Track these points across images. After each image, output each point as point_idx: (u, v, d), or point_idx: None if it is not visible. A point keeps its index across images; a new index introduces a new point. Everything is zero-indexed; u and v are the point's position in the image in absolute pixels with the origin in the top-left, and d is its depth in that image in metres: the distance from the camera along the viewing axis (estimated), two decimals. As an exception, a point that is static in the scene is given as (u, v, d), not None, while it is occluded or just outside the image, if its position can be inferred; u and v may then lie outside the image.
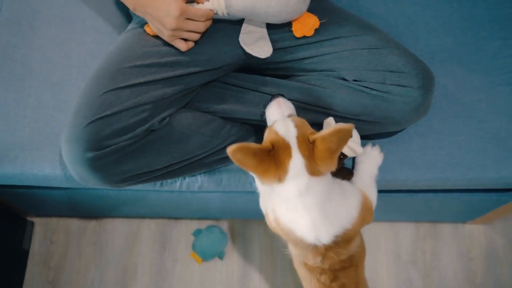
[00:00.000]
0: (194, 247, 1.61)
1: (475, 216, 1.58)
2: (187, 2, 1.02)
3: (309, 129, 0.92)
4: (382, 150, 1.20)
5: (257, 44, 1.11)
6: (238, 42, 1.12)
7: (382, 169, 1.19)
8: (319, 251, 0.91)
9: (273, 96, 1.02)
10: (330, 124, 1.09)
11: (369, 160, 1.14)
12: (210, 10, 1.03)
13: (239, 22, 1.12)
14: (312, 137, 0.87)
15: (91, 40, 1.29)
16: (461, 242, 1.66)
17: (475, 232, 1.67)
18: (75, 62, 1.27)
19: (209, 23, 1.05)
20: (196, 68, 1.10)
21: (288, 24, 1.11)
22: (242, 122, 1.19)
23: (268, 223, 1.03)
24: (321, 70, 1.14)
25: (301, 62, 1.15)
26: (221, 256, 1.61)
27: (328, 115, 1.11)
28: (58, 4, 1.31)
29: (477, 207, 1.47)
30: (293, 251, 1.01)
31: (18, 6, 1.30)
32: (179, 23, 1.01)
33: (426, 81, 1.08)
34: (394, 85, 1.07)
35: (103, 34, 1.30)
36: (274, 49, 1.12)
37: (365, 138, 1.20)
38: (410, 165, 1.20)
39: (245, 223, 1.67)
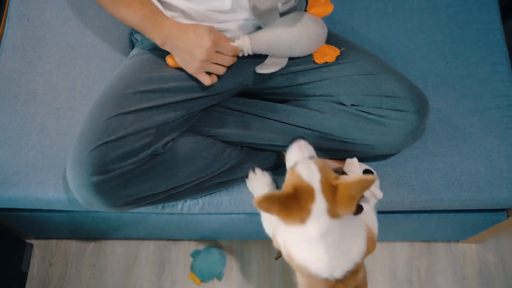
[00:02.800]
0: (192, 268, 1.62)
1: (468, 235, 1.61)
2: None
3: (331, 172, 0.95)
4: (378, 172, 1.24)
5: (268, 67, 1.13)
6: (238, 68, 1.15)
7: (378, 190, 1.23)
8: (329, 284, 0.93)
9: (293, 139, 1.04)
10: (353, 164, 1.12)
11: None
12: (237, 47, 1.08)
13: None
14: (335, 182, 0.90)
15: (94, 65, 1.32)
16: (455, 261, 1.69)
17: (468, 251, 1.70)
18: (78, 87, 1.29)
19: (235, 59, 1.10)
20: (198, 93, 1.13)
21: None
22: (242, 145, 1.21)
23: (274, 243, 1.05)
24: (320, 95, 1.17)
25: (300, 87, 1.18)
26: (219, 277, 1.62)
27: (328, 139, 1.15)
28: (62, 31, 1.34)
29: (471, 226, 1.50)
30: (301, 281, 1.03)
31: (23, 33, 1.32)
32: (209, 54, 1.04)
33: (421, 105, 1.11)
34: (391, 109, 1.10)
35: (106, 60, 1.33)
36: (274, 75, 1.16)
37: (362, 160, 1.23)
38: (406, 187, 1.24)
39: (243, 244, 1.69)
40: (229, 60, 1.09)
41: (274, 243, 1.05)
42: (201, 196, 1.23)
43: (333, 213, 0.89)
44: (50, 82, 1.29)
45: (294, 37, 1.09)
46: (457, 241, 1.70)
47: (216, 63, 1.08)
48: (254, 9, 1.05)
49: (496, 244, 1.70)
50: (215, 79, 1.10)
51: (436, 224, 1.46)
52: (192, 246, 1.68)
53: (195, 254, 1.64)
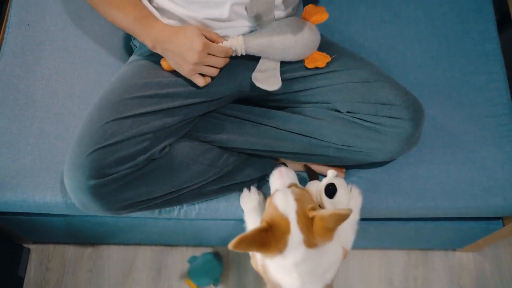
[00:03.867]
0: (189, 274, 1.62)
1: (465, 244, 1.61)
2: None
3: (309, 201, 0.95)
4: (374, 179, 1.24)
5: (267, 80, 1.13)
6: (235, 75, 1.16)
7: (374, 198, 1.23)
8: None
9: (276, 166, 1.06)
10: (329, 176, 1.10)
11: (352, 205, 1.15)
12: (229, 48, 1.08)
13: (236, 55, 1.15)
14: (311, 214, 0.90)
15: (93, 71, 1.33)
16: (452, 270, 1.69)
17: (465, 260, 1.70)
18: (77, 92, 1.31)
19: (227, 60, 1.10)
20: (195, 99, 1.14)
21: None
22: (239, 151, 1.22)
23: (252, 262, 1.06)
24: (316, 102, 1.18)
25: (296, 94, 1.19)
26: (216, 283, 1.62)
27: (324, 146, 1.15)
28: (61, 36, 1.36)
29: (467, 235, 1.50)
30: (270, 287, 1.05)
31: (22, 38, 1.34)
32: (201, 57, 1.05)
33: (416, 113, 1.12)
34: (386, 117, 1.11)
35: (105, 65, 1.34)
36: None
37: (358, 167, 1.24)
38: (402, 194, 1.24)
39: (240, 250, 1.69)
40: (221, 62, 1.09)
41: (253, 262, 1.06)
42: (198, 202, 1.24)
43: (309, 244, 0.89)
44: (49, 87, 1.31)
45: (289, 42, 1.10)
46: (454, 249, 1.70)
47: (209, 65, 1.09)
48: (250, 12, 1.07)
49: (492, 253, 1.71)
50: (208, 80, 1.11)
51: (432, 232, 1.46)
52: (189, 252, 1.68)
53: (192, 260, 1.64)
